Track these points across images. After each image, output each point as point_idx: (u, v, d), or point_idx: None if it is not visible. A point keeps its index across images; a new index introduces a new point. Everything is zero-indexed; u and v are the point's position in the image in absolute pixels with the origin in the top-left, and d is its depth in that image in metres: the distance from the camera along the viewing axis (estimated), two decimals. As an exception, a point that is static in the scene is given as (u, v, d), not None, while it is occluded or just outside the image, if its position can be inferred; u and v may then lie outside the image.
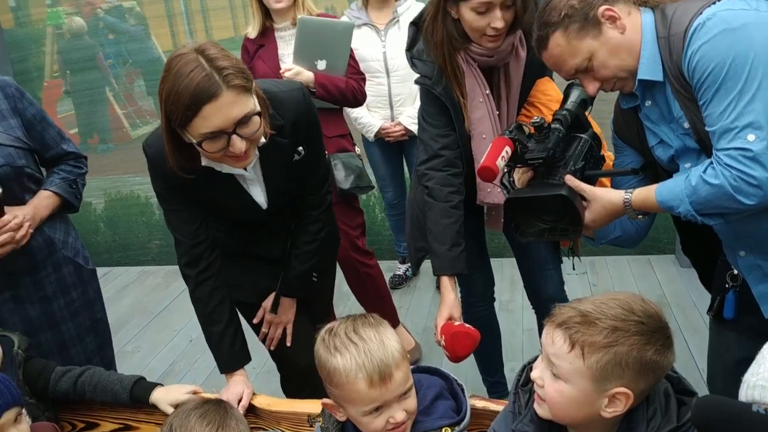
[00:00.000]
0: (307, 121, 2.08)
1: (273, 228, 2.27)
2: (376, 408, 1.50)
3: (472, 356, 2.95)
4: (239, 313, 2.29)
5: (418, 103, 3.80)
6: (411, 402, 1.54)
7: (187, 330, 4.17)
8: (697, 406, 0.96)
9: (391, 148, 4.10)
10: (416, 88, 3.83)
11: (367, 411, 1.51)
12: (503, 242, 4.52)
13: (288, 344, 2.40)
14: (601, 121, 2.33)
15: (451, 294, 2.26)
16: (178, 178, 1.94)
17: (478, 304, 2.81)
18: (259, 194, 2.11)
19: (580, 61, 1.70)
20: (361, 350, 1.50)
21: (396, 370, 1.50)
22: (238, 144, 1.79)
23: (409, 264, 4.62)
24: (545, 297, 2.67)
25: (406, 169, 4.30)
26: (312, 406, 1.91)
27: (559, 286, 2.69)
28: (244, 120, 1.77)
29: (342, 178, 3.20)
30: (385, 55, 3.84)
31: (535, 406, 1.40)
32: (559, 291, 2.69)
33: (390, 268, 4.59)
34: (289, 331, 2.39)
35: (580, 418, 1.34)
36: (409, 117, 3.90)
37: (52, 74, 5.92)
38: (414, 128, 3.86)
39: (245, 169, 2.00)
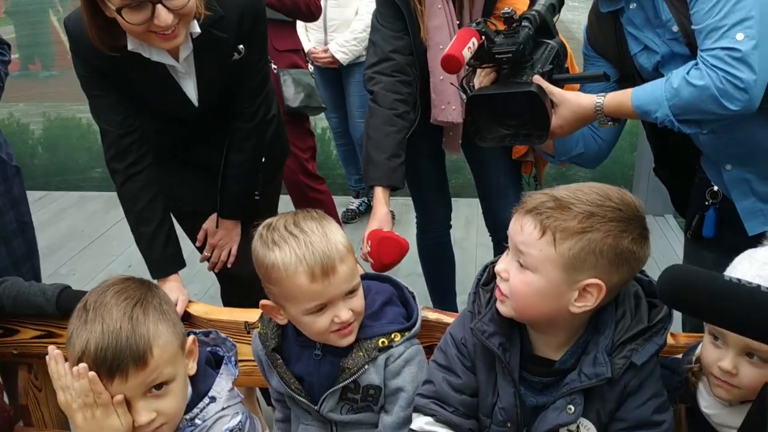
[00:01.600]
0: (252, 18, 1.89)
1: (208, 131, 2.09)
2: (319, 307, 1.37)
3: (425, 284, 2.86)
4: (176, 222, 2.13)
5: (350, 32, 3.67)
6: (358, 302, 1.41)
7: (126, 256, 3.95)
8: (665, 274, 0.84)
9: (330, 72, 3.91)
10: (352, 15, 3.71)
11: (309, 309, 1.37)
12: (460, 182, 4.45)
13: (229, 266, 2.24)
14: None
15: (383, 207, 2.09)
16: (102, 60, 1.75)
17: (434, 229, 2.69)
18: (191, 89, 1.93)
19: None
20: (301, 243, 1.35)
21: (340, 264, 1.36)
22: (164, 16, 1.61)
23: (363, 199, 4.50)
24: (503, 223, 2.53)
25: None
26: (251, 315, 1.76)
27: (519, 214, 2.57)
28: None
29: (291, 95, 3.02)
30: None
31: (498, 304, 1.28)
32: (518, 218, 2.58)
33: (344, 204, 4.46)
34: (233, 252, 2.23)
35: (545, 313, 1.22)
36: (337, 45, 3.71)
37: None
38: (342, 57, 3.69)
39: (177, 60, 1.83)
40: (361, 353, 1.42)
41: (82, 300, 1.23)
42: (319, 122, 4.76)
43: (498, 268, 1.27)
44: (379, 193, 2.09)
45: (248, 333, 1.68)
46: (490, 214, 2.62)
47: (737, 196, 1.69)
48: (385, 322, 1.46)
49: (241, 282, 2.20)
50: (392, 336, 1.44)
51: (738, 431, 0.83)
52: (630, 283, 1.27)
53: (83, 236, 4.36)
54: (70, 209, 4.82)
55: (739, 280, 0.83)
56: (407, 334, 1.45)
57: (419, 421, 1.36)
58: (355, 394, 1.44)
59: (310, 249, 1.34)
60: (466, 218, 4.24)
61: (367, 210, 4.50)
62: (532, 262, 1.20)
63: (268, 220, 1.43)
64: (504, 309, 1.26)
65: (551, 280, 1.19)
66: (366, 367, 1.41)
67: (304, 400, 1.47)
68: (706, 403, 1.28)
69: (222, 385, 1.31)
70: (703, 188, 1.79)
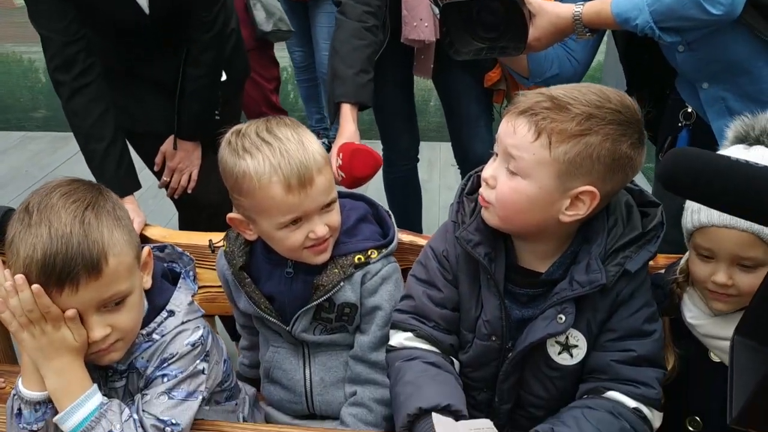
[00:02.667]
0: None
1: (164, 45, 1.95)
2: (293, 220, 1.27)
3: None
4: (131, 147, 2.00)
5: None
6: (334, 216, 1.32)
7: (75, 196, 3.77)
8: (668, 157, 0.77)
9: (296, 3, 3.72)
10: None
11: (282, 223, 1.27)
12: (422, 125, 4.35)
13: (190, 191, 2.12)
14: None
15: (351, 125, 1.94)
16: None
17: (401, 163, 2.61)
18: None
19: None
20: (276, 150, 1.24)
21: (318, 175, 1.25)
22: None
23: (323, 140, 4.38)
24: (472, 155, 2.49)
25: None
26: (213, 238, 1.66)
27: (489, 145, 2.50)
28: None
29: (263, 19, 2.89)
30: None
31: (483, 212, 1.20)
32: (488, 150, 2.51)
33: (303, 145, 4.33)
34: (194, 177, 2.11)
35: (534, 222, 1.15)
36: None
37: None
38: None
39: None
40: (336, 270, 1.34)
41: (22, 202, 1.09)
42: (276, 61, 4.60)
43: (485, 174, 1.19)
44: (347, 110, 1.95)
45: (213, 252, 1.58)
46: (459, 145, 2.55)
47: (713, 115, 1.65)
48: (361, 239, 1.38)
49: (203, 208, 2.10)
50: (369, 253, 1.36)
51: (744, 317, 0.78)
52: (620, 192, 1.21)
53: (27, 176, 4.14)
54: (12, 149, 4.58)
55: (746, 161, 0.76)
56: (384, 251, 1.38)
57: (398, 336, 1.29)
58: (329, 313, 1.36)
59: (286, 158, 1.23)
60: (429, 161, 4.16)
61: (328, 150, 4.37)
62: (523, 167, 1.12)
63: (237, 127, 1.31)
64: (489, 217, 1.19)
65: (543, 187, 1.11)
66: (341, 284, 1.33)
67: (274, 320, 1.38)
68: (692, 314, 1.26)
69: (181, 298, 1.21)
70: (676, 110, 1.75)
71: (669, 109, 1.79)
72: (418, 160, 2.68)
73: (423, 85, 4.62)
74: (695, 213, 1.18)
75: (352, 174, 1.82)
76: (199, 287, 1.70)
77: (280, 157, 1.23)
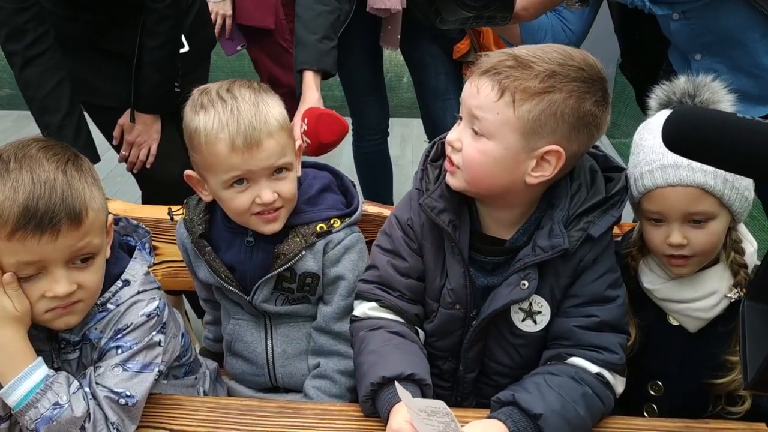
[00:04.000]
0: None
1: (123, 15, 1.89)
2: (236, 179, 1.24)
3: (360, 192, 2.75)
4: (91, 120, 1.94)
5: None
6: (286, 186, 1.28)
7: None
8: (672, 116, 0.75)
9: None
10: None
11: (226, 181, 1.24)
12: (395, 102, 4.31)
13: (148, 166, 2.07)
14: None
15: (314, 93, 1.90)
16: None
17: (371, 136, 2.58)
18: None
19: None
20: (228, 108, 1.23)
21: (267, 138, 1.23)
22: None
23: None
24: (442, 128, 2.45)
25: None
26: (173, 207, 1.61)
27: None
28: None
29: None
30: None
31: (448, 177, 1.18)
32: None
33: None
34: (153, 152, 2.06)
35: (500, 184, 1.13)
36: None
37: None
38: None
39: None
40: (297, 239, 1.31)
41: None
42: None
43: (450, 137, 1.17)
44: (309, 77, 1.90)
45: (172, 220, 1.54)
46: (428, 117, 2.52)
47: None
48: (323, 208, 1.35)
49: (163, 184, 2.04)
50: (331, 222, 1.34)
51: (753, 281, 0.77)
52: (584, 157, 1.20)
53: (-10, 154, 4.04)
54: (-25, 127, 4.47)
55: (752, 116, 0.75)
56: (347, 221, 1.35)
57: (362, 307, 1.27)
58: (290, 283, 1.33)
59: (236, 116, 1.22)
60: (402, 137, 4.13)
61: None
62: (488, 128, 1.10)
63: (204, 85, 1.30)
64: (455, 182, 1.16)
65: (508, 147, 1.09)
66: (303, 253, 1.31)
67: (235, 290, 1.35)
68: (648, 279, 1.26)
69: (136, 268, 1.18)
70: (669, 81, 1.75)
71: (661, 80, 1.78)
72: (388, 134, 2.65)
73: (396, 61, 4.57)
74: (638, 180, 1.19)
75: (318, 139, 1.77)
76: (162, 262, 1.67)
77: (230, 115, 1.22)
